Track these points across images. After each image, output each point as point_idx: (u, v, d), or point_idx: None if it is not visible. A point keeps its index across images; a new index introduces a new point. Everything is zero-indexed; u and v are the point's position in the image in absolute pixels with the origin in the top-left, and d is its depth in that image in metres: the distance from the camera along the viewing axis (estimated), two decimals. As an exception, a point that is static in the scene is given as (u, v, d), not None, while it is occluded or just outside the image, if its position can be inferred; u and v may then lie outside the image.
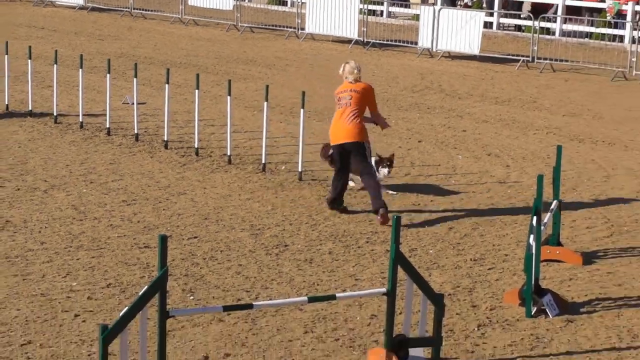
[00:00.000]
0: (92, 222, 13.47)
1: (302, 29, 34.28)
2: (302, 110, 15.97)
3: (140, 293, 8.60)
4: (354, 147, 13.84)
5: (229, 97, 16.90)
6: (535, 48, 29.53)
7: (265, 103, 16.31)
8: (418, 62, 29.63)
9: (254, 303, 9.86)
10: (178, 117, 19.87)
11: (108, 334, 8.39)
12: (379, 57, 30.56)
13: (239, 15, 36.13)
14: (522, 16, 35.63)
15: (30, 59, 19.89)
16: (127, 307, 8.61)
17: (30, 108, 19.96)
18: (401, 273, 9.29)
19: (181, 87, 22.99)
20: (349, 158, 13.97)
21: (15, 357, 9.30)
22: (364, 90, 14.06)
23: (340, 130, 13.90)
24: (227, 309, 9.66)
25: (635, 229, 13.87)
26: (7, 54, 20.50)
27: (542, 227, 11.03)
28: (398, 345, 9.28)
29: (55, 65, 19.31)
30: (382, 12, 38.49)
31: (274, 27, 35.78)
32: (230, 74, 25.16)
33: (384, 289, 9.42)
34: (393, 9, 38.70)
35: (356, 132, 13.83)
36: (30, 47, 20.50)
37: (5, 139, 18.00)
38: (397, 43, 32.45)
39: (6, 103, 20.45)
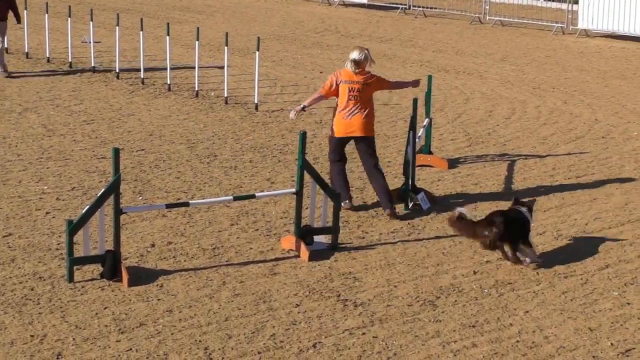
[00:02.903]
0: (59, 138, 13.17)
1: (227, -18, 33.62)
2: (225, 47, 15.73)
3: (98, 194, 8.48)
4: (367, 142, 10.60)
5: (167, 37, 16.57)
6: (411, -2, 29.41)
7: (197, 42, 16.01)
8: (319, 9, 29.32)
9: (190, 202, 9.77)
10: (127, 53, 19.43)
11: (73, 228, 8.29)
12: (288, 5, 30.17)
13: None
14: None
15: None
16: (88, 206, 8.48)
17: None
18: (307, 177, 9.26)
19: (129, 29, 22.47)
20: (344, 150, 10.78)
21: (-2, 246, 9.11)
22: (374, 82, 10.73)
23: (355, 123, 10.46)
24: (169, 206, 9.58)
25: (488, 140, 13.99)
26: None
27: (417, 140, 11.06)
28: (305, 233, 9.28)
29: (25, 11, 18.69)
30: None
31: (203, -19, 35.06)
32: (169, 19, 24.64)
33: (293, 190, 9.40)
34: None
35: (371, 127, 10.62)
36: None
37: (-14, 71, 17.47)
38: (303, -6, 32.06)
39: (-14, 42, 19.80)
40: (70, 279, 8.32)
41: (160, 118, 14.55)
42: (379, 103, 16.14)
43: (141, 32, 16.90)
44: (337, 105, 10.58)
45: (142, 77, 16.99)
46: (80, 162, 12.03)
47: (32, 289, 8.14)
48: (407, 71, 19.26)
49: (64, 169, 11.69)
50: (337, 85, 10.52)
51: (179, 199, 10.72)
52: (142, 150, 12.73)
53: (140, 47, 17.15)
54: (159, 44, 20.88)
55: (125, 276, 8.31)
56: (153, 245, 9.30)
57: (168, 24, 17.11)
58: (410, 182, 10.72)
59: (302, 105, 10.67)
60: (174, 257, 9.04)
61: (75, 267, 8.40)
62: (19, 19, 17.39)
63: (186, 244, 9.37)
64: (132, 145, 12.92)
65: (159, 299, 8.07)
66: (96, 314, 7.74)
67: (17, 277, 8.37)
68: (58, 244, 9.20)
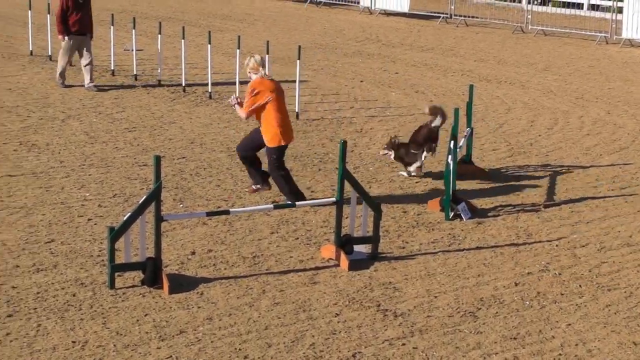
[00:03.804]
0: (101, 145, 13.29)
1: (268, -9, 33.81)
2: (267, 56, 15.78)
3: (140, 202, 8.54)
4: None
5: (209, 46, 16.67)
6: (453, 7, 29.32)
7: (238, 50, 16.09)
8: (360, 18, 29.34)
9: (230, 210, 9.81)
10: (169, 61, 19.57)
11: (115, 234, 8.36)
12: (328, 13, 30.23)
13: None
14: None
15: (49, 13, 19.46)
16: (129, 213, 8.54)
17: (49, 54, 19.57)
18: (347, 186, 9.26)
19: (171, 37, 22.62)
20: None
21: (42, 251, 9.20)
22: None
23: (290, 128, 10.79)
24: (210, 214, 9.63)
25: (530, 150, 13.90)
26: (30, 9, 20.02)
27: (458, 149, 11.02)
28: (345, 242, 9.28)
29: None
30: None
31: (245, -11, 35.28)
32: (210, 27, 24.79)
33: (333, 199, 9.40)
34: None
35: None
36: (49, 3, 20.05)
37: (30, 78, 17.68)
38: (343, 2, 32.10)
39: (30, 49, 20.05)
40: (112, 285, 8.39)
41: (201, 126, 14.63)
42: (419, 112, 16.12)
43: (183, 40, 17.02)
44: (266, 113, 10.47)
45: (183, 84, 17.10)
46: (121, 169, 12.13)
47: (74, 295, 8.22)
48: (448, 80, 19.21)
49: (105, 176, 11.80)
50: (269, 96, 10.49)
51: (219, 207, 10.76)
52: (183, 158, 12.81)
53: (181, 55, 17.27)
54: (200, 52, 21.01)
55: (165, 283, 8.37)
56: (193, 253, 9.35)
57: (209, 32, 17.21)
58: (451, 192, 10.68)
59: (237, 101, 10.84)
60: (214, 265, 9.07)
61: (116, 274, 8.47)
62: (91, 36, 16.93)
63: (226, 252, 9.41)
64: (173, 153, 13.00)
65: (199, 307, 8.10)
66: (137, 320, 7.80)
67: (59, 283, 8.46)
68: (100, 251, 9.28)
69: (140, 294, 8.32)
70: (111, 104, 15.92)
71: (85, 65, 16.69)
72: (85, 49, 16.62)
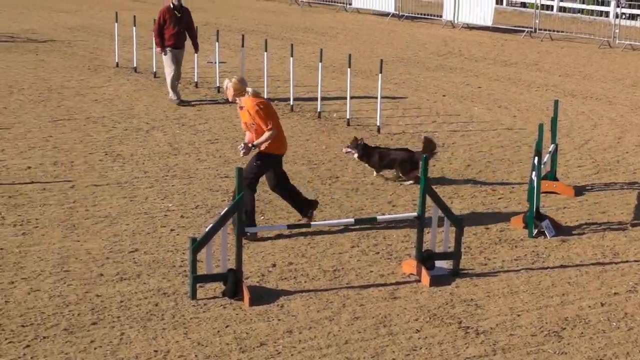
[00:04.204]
0: (184, 156, 13.46)
1: (350, 4, 33.89)
2: (348, 69, 15.82)
3: (221, 213, 8.61)
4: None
5: (291, 58, 16.78)
6: (537, 21, 29.01)
7: (320, 63, 16.15)
8: (442, 32, 29.22)
9: (311, 223, 9.83)
10: (251, 74, 19.75)
11: (197, 245, 8.44)
12: (411, 27, 30.17)
13: (299, -8, 35.81)
14: (527, -5, 35.08)
15: (134, 26, 19.83)
16: (211, 224, 8.63)
17: (135, 65, 19.94)
18: (429, 201, 9.20)
19: (253, 49, 22.84)
20: None
21: (125, 261, 9.35)
22: None
23: (285, 140, 10.45)
24: (291, 227, 9.67)
25: (617, 167, 13.64)
26: (116, 22, 20.46)
27: (542, 165, 10.87)
28: (426, 257, 9.22)
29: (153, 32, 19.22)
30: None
31: (327, 2, 35.41)
32: (293, 40, 24.95)
33: (415, 213, 9.35)
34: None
35: None
36: (135, 16, 20.44)
37: (116, 89, 18.02)
38: (426, 16, 32.01)
39: (116, 61, 20.46)
40: (193, 296, 8.48)
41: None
42: (502, 127, 15.97)
43: (265, 53, 17.17)
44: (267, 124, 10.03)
45: (265, 97, 17.23)
46: (204, 181, 12.26)
47: (156, 305, 8.33)
48: (532, 95, 18.98)
49: (188, 187, 11.94)
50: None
51: (300, 219, 10.79)
52: (265, 170, 12.89)
53: (264, 67, 17.41)
54: (282, 64, 21.16)
55: (246, 295, 8.42)
56: (274, 265, 9.39)
57: (292, 45, 17.33)
58: (534, 209, 10.53)
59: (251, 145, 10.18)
60: (294, 277, 9.10)
61: (198, 285, 8.55)
62: (196, 48, 17.06)
63: (307, 265, 9.43)
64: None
65: (279, 319, 8.13)
66: (218, 331, 7.86)
67: (142, 293, 8.58)
68: (182, 261, 9.38)
69: (221, 305, 8.38)
70: (194, 115, 16.12)
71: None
72: (178, 62, 16.75)
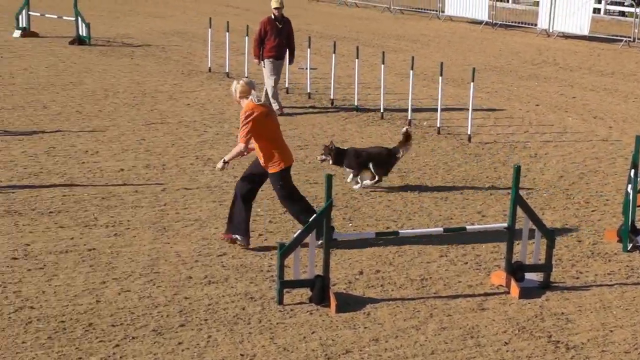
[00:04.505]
0: (273, 161, 13.55)
1: (443, 11, 33.73)
2: (440, 77, 15.74)
3: (310, 219, 8.65)
4: None
5: (382, 66, 16.77)
6: (636, 30, 28.41)
7: (411, 71, 16.10)
8: (537, 40, 28.84)
9: (399, 231, 9.81)
10: (342, 80, 19.81)
11: (285, 251, 8.49)
12: (504, 35, 29.86)
13: (392, -1, 35.78)
14: (625, 4, 34.35)
15: (227, 31, 20.08)
16: (300, 230, 8.67)
17: (227, 71, 20.19)
18: (520, 212, 9.08)
19: (345, 56, 22.91)
20: None
21: (214, 264, 9.46)
22: None
23: (288, 150, 10.08)
24: (379, 235, 9.65)
25: None
26: (210, 27, 20.76)
27: (638, 178, 10.63)
28: (516, 269, 9.10)
29: (246, 37, 19.45)
30: (508, -1, 37.54)
31: (419, 10, 35.31)
32: (384, 47, 24.94)
33: (505, 224, 9.24)
34: (517, -4, 37.73)
35: None
36: (228, 22, 20.71)
37: (208, 94, 18.27)
38: (520, 24, 31.65)
39: (209, 66, 20.75)
40: (280, 301, 8.53)
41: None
42: (597, 138, 15.68)
43: (357, 60, 17.20)
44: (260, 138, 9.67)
45: (355, 104, 17.26)
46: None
47: (243, 309, 8.40)
48: (629, 106, 18.59)
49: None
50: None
51: (388, 227, 10.77)
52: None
53: (355, 74, 17.44)
54: (373, 71, 21.17)
55: (333, 302, 8.43)
56: (361, 273, 9.39)
57: (383, 52, 17.31)
58: (630, 223, 10.30)
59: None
60: (381, 285, 9.08)
61: (285, 290, 8.60)
62: (292, 60, 17.01)
63: (394, 274, 9.40)
64: (344, 172, 13.10)
65: (365, 327, 8.12)
66: (304, 337, 7.89)
67: (229, 296, 8.66)
68: (269, 266, 9.45)
69: (308, 311, 8.42)
70: (284, 121, 16.23)
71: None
72: (278, 73, 16.68)
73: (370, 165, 12.25)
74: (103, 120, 15.67)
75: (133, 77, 19.77)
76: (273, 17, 16.53)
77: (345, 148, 12.55)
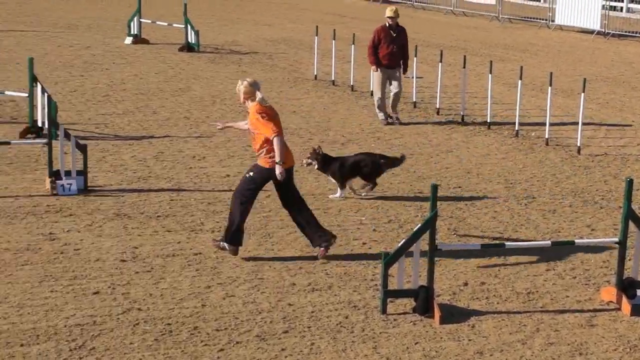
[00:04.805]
0: (378, 170, 13.56)
1: (552, 20, 33.21)
2: (549, 88, 15.49)
3: (414, 229, 8.62)
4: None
5: (490, 75, 16.60)
6: None
7: (520, 81, 15.90)
8: (650, 51, 28.15)
9: (506, 243, 9.69)
10: (448, 89, 19.69)
11: (389, 260, 8.48)
12: (617, 45, 29.22)
13: (500, 8, 35.38)
14: None
15: (334, 39, 20.18)
16: (404, 239, 8.65)
17: (333, 78, 20.29)
18: (632, 226, 8.86)
19: (451, 65, 22.76)
20: None
21: (317, 272, 9.50)
22: None
23: (290, 153, 9.93)
24: (484, 246, 9.55)
25: None
26: (316, 35, 20.90)
27: None
28: (627, 285, 8.88)
29: (352, 45, 19.50)
30: (622, 7, 36.71)
31: (529, 19, 34.84)
32: (492, 56, 24.68)
33: (616, 239, 9.04)
34: (632, 5, 36.86)
35: None
36: (335, 30, 20.81)
37: (314, 102, 18.38)
38: (634, 34, 30.92)
39: (314, 74, 20.88)
40: (384, 310, 8.52)
41: (478, 156, 14.58)
42: None
43: (463, 69, 17.07)
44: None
45: (462, 113, 17.13)
46: (397, 196, 12.30)
47: (346, 317, 8.42)
48: None
49: (381, 201, 12.01)
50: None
51: (494, 239, 10.65)
52: (459, 187, 12.81)
53: (462, 84, 17.32)
54: (480, 81, 20.98)
55: (437, 313, 8.38)
56: (466, 284, 9.30)
57: (491, 61, 17.14)
58: None
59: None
60: (486, 298, 8.98)
61: (388, 299, 8.58)
62: (405, 70, 16.85)
63: (500, 286, 9.28)
64: (449, 182, 13.03)
65: (469, 340, 8.04)
66: (407, 348, 7.86)
67: (332, 304, 8.69)
68: (373, 275, 9.44)
69: (411, 321, 8.38)
70: (390, 129, 16.22)
71: (393, 94, 16.62)
72: (394, 80, 16.59)
73: (359, 177, 12.09)
74: (210, 126, 15.92)
75: (240, 84, 20.00)
76: (387, 25, 16.50)
77: (334, 156, 12.25)
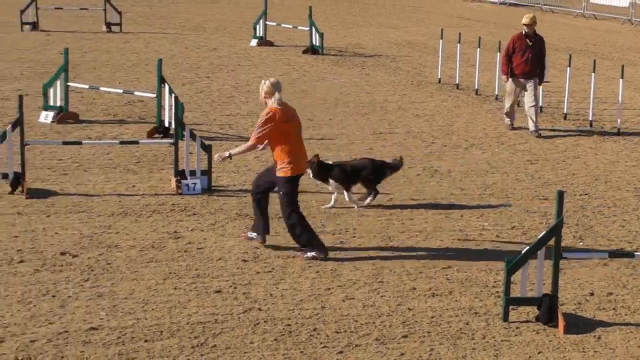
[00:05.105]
0: (502, 175, 13.38)
1: (688, 23, 32.12)
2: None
3: (539, 236, 8.45)
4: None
5: (621, 80, 16.17)
6: None
7: (653, 85, 15.44)
8: None
9: (635, 253, 9.40)
10: (576, 94, 19.26)
11: (512, 267, 8.35)
12: None
13: (633, 10, 34.42)
14: None
15: (459, 43, 20.01)
16: (528, 247, 8.49)
17: (457, 82, 20.12)
18: None
19: (580, 70, 22.27)
20: None
21: (438, 277, 9.43)
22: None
23: (303, 160, 10.07)
24: (612, 255, 9.31)
25: None
26: (441, 38, 20.77)
27: None
28: None
29: (478, 49, 19.31)
30: None
31: (662, 22, 33.82)
32: (623, 60, 24.04)
33: None
34: None
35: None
36: (460, 33, 20.63)
37: (437, 105, 18.26)
38: None
39: (439, 77, 20.75)
40: (505, 318, 8.38)
41: (607, 163, 14.21)
42: None
43: (593, 74, 16.67)
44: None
45: (590, 119, 16.73)
46: (521, 202, 12.10)
47: (467, 324, 8.32)
48: None
49: (505, 207, 11.84)
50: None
51: (622, 248, 10.36)
52: (586, 194, 12.51)
53: (590, 89, 16.91)
54: (609, 86, 20.46)
55: (561, 322, 8.19)
56: (592, 294, 9.07)
57: (622, 66, 16.69)
58: None
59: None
60: (614, 309, 8.74)
61: (510, 307, 8.44)
62: (541, 80, 16.24)
63: (628, 297, 9.02)
64: (576, 189, 12.74)
65: (595, 351, 7.84)
66: (529, 357, 7.71)
67: (453, 310, 8.60)
68: (495, 282, 9.31)
69: (534, 330, 8.22)
70: (514, 134, 15.98)
71: (528, 108, 16.01)
72: (529, 92, 15.95)
73: (361, 180, 11.67)
74: (332, 128, 15.99)
75: (363, 86, 20.07)
76: (524, 33, 16.05)
77: (331, 163, 11.69)
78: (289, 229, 9.87)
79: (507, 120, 16.41)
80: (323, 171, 11.49)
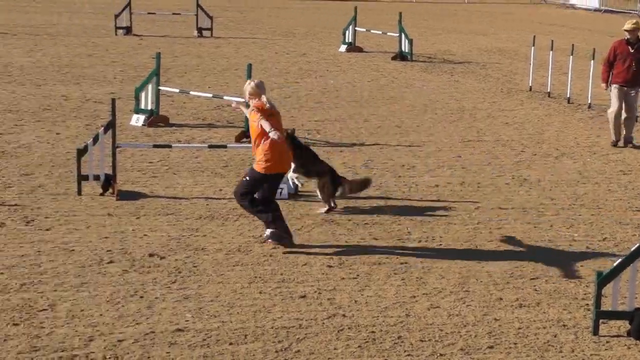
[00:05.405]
0: (593, 185, 13.13)
1: None
2: None
3: (632, 248, 8.26)
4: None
5: None
6: None
7: None
8: None
9: None
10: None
11: (603, 279, 8.17)
12: None
13: None
14: None
15: (551, 50, 19.73)
16: (620, 259, 8.30)
17: (549, 90, 19.83)
18: None
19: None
20: None
21: (526, 287, 9.25)
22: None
23: (286, 157, 10.29)
24: None
25: None
26: (533, 45, 20.50)
27: None
28: None
29: (570, 56, 19.00)
30: None
31: None
32: None
33: None
34: None
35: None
36: (552, 40, 20.34)
37: (527, 113, 18.02)
38: None
39: (529, 85, 20.49)
40: (595, 332, 8.21)
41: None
42: None
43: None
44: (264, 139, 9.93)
45: (686, 129, 16.32)
46: (613, 213, 11.85)
47: (555, 336, 8.17)
48: None
49: (596, 218, 11.61)
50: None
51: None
52: (681, 206, 12.20)
53: (688, 97, 16.49)
54: None
55: (653, 338, 7.99)
56: (685, 310, 8.81)
57: None
58: None
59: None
60: None
61: (601, 320, 8.26)
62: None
63: None
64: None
65: (688, 369, 7.61)
66: (619, 372, 7.54)
67: (540, 322, 8.46)
68: (584, 294, 9.13)
69: (626, 345, 8.03)
70: (606, 144, 15.67)
71: (624, 120, 15.54)
72: (628, 102, 15.47)
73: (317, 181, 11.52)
74: (420, 135, 15.92)
75: (452, 93, 19.94)
76: (625, 39, 15.59)
77: (302, 143, 11.87)
78: (247, 209, 10.23)
79: (612, 134, 15.56)
80: (291, 143, 11.25)
